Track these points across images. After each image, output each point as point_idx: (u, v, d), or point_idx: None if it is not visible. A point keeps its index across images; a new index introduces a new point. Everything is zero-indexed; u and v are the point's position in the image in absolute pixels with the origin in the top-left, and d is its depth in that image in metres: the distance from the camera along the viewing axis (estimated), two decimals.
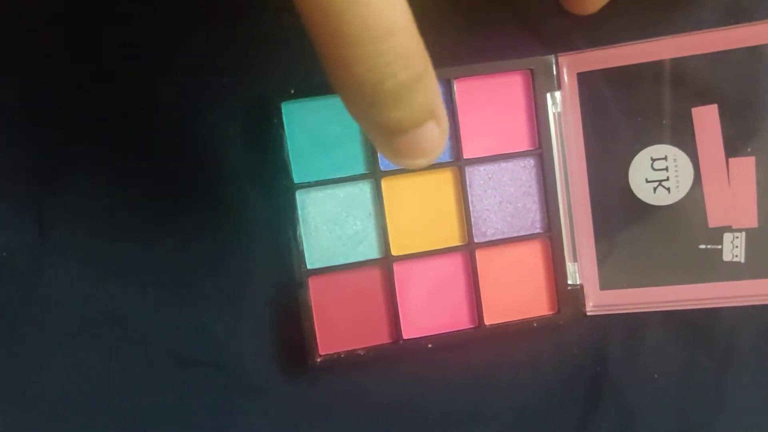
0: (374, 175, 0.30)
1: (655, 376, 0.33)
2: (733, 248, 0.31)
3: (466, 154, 0.31)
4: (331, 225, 0.31)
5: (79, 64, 0.30)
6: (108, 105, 0.30)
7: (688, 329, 0.33)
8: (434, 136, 0.21)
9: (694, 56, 0.31)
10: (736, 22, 0.31)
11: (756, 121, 0.31)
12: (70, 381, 0.31)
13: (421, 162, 0.22)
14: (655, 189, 0.32)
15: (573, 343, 0.33)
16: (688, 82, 0.31)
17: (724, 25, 0.31)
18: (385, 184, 0.31)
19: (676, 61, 0.31)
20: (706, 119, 0.31)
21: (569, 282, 0.32)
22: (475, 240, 0.31)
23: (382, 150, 0.21)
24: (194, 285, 0.31)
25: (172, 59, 0.30)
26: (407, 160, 0.21)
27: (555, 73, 0.31)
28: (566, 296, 0.32)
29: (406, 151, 0.21)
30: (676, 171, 0.31)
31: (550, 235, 0.32)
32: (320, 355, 0.31)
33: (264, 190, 0.30)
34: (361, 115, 0.20)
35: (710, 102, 0.31)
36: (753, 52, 0.30)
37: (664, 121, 0.31)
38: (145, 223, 0.30)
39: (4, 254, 0.30)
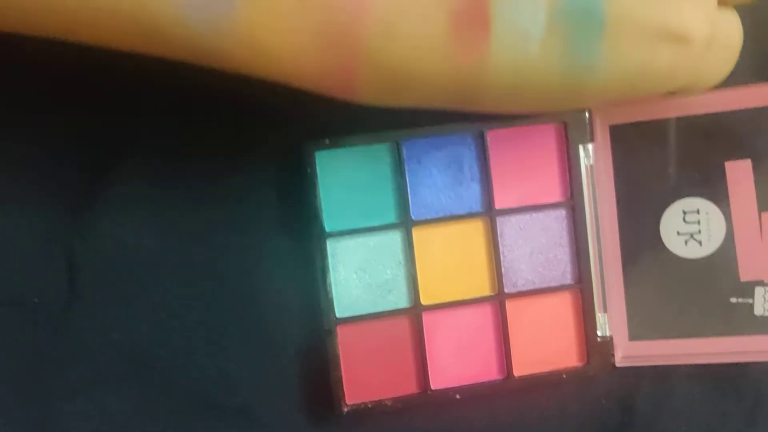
0: (405, 224, 0.30)
1: (683, 428, 0.33)
2: (765, 302, 0.31)
3: (498, 205, 0.31)
4: (361, 273, 0.31)
5: (112, 108, 0.30)
6: (140, 149, 0.30)
7: (717, 382, 0.32)
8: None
9: (728, 111, 0.30)
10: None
11: None
12: (97, 426, 0.30)
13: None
14: (686, 242, 0.31)
15: (601, 394, 0.33)
16: (722, 137, 0.31)
17: (759, 81, 0.31)
18: (416, 233, 0.31)
19: (710, 116, 0.31)
20: (740, 173, 0.31)
21: (599, 333, 0.32)
22: (506, 290, 0.31)
23: None
24: (222, 330, 0.31)
25: (208, 107, 0.30)
26: None
27: (588, 125, 0.31)
28: (596, 348, 0.32)
29: None
30: (708, 224, 0.31)
31: (581, 286, 0.31)
32: (347, 405, 0.30)
33: (295, 237, 0.30)
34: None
35: (744, 156, 0.31)
36: None
37: (696, 175, 0.31)
38: (175, 268, 0.30)
39: (35, 300, 0.30)
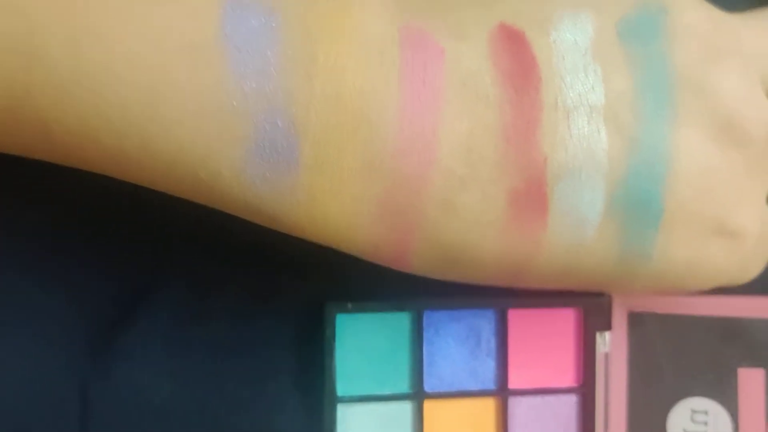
0: (418, 395, 0.30)
1: None
2: None
3: (512, 384, 0.31)
4: None
5: (138, 251, 0.29)
6: (162, 295, 0.29)
7: None
8: None
9: (747, 318, 0.31)
10: None
11: None
12: None
13: None
14: None
15: None
16: (739, 342, 0.31)
17: None
18: (428, 405, 0.30)
19: (729, 320, 0.31)
20: (752, 382, 0.31)
21: None
22: None
23: None
24: None
25: (232, 257, 0.29)
26: None
27: (608, 312, 0.31)
28: None
29: None
30: (715, 427, 0.31)
31: None
32: None
33: (307, 395, 0.30)
34: None
35: (758, 366, 0.31)
36: None
37: (709, 375, 0.31)
38: (186, 416, 0.29)
39: None
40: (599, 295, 0.31)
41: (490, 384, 0.31)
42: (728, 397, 0.31)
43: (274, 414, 0.30)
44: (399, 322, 0.30)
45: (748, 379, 0.31)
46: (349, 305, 0.29)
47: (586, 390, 0.31)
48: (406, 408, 0.30)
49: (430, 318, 0.30)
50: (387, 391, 0.30)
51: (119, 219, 0.29)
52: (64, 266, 0.29)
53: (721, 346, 0.31)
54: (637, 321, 0.32)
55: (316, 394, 0.30)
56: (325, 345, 0.29)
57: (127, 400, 0.29)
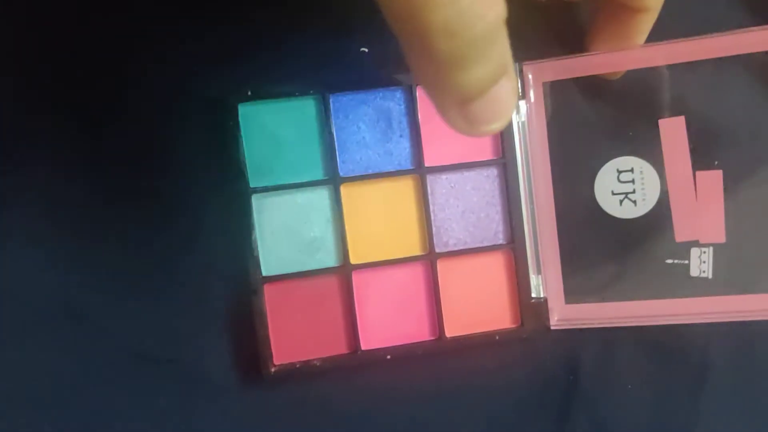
0: (333, 181, 0.30)
1: (629, 387, 0.32)
2: (701, 263, 0.31)
3: (428, 162, 0.30)
4: (287, 231, 0.30)
5: (41, 59, 0.29)
6: (68, 97, 0.30)
7: (662, 341, 0.32)
8: (508, 94, 0.21)
9: (661, 67, 0.30)
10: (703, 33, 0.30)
11: (723, 134, 0.30)
12: (23, 374, 0.30)
13: (496, 126, 0.22)
14: (621, 202, 0.31)
15: (542, 355, 0.32)
16: (655, 94, 0.30)
17: (691, 36, 0.30)
18: (345, 190, 0.30)
19: (643, 72, 0.30)
20: (673, 131, 0.30)
21: (533, 295, 0.31)
22: (437, 250, 0.31)
23: (456, 123, 0.22)
24: (152, 282, 0.30)
25: (130, 61, 0.29)
26: (483, 126, 0.22)
27: (520, 82, 0.30)
28: (529, 309, 0.31)
29: (482, 116, 0.21)
30: (642, 184, 0.31)
31: (513, 246, 0.31)
32: (275, 365, 0.30)
33: (220, 193, 0.30)
34: (439, 85, 0.21)
35: (677, 114, 0.30)
36: (720, 63, 0.30)
37: (630, 133, 0.31)
38: (104, 216, 0.30)
39: None
40: None
41: (406, 164, 0.31)
42: (652, 151, 0.31)
43: (194, 213, 0.30)
44: (305, 109, 0.30)
45: (670, 128, 0.30)
46: (249, 92, 0.29)
47: (506, 161, 0.31)
48: (323, 194, 0.30)
49: (337, 103, 0.30)
50: (301, 180, 0.30)
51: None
52: None
53: (639, 101, 0.31)
54: (552, 90, 0.31)
55: (231, 190, 0.30)
56: (231, 137, 0.29)
57: (40, 199, 0.30)
